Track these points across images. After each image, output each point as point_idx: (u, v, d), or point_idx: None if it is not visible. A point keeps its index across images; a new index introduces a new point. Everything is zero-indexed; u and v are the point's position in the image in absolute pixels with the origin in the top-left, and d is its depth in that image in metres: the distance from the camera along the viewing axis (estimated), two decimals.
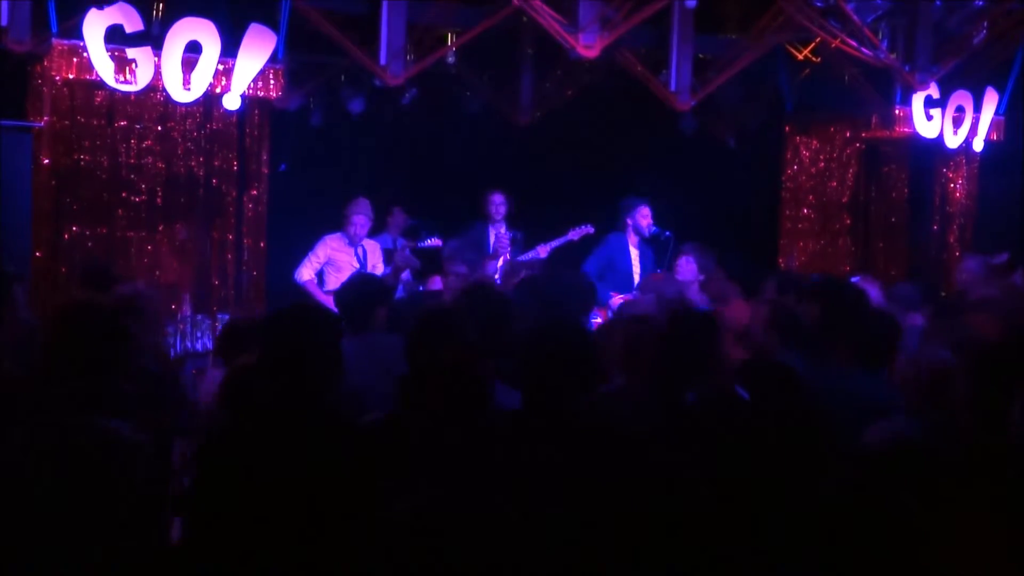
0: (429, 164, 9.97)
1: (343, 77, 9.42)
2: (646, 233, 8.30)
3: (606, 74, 9.20)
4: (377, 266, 8.01)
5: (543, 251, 8.44)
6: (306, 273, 7.91)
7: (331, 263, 7.93)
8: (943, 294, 8.30)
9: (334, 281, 7.86)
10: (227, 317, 7.00)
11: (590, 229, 8.57)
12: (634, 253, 8.35)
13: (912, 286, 6.67)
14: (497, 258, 8.12)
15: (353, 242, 7.96)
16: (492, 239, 8.42)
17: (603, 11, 7.55)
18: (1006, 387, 3.14)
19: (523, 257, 8.31)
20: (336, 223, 8.08)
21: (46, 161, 6.90)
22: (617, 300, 8.10)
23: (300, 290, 7.89)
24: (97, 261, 6.57)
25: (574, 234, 8.57)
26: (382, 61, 7.56)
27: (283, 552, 2.78)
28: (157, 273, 7.01)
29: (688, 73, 8.37)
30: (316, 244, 7.96)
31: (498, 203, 8.49)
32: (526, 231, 8.55)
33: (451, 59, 8.54)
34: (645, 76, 8.40)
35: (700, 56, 8.64)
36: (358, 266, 7.91)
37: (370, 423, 3.51)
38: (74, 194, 6.93)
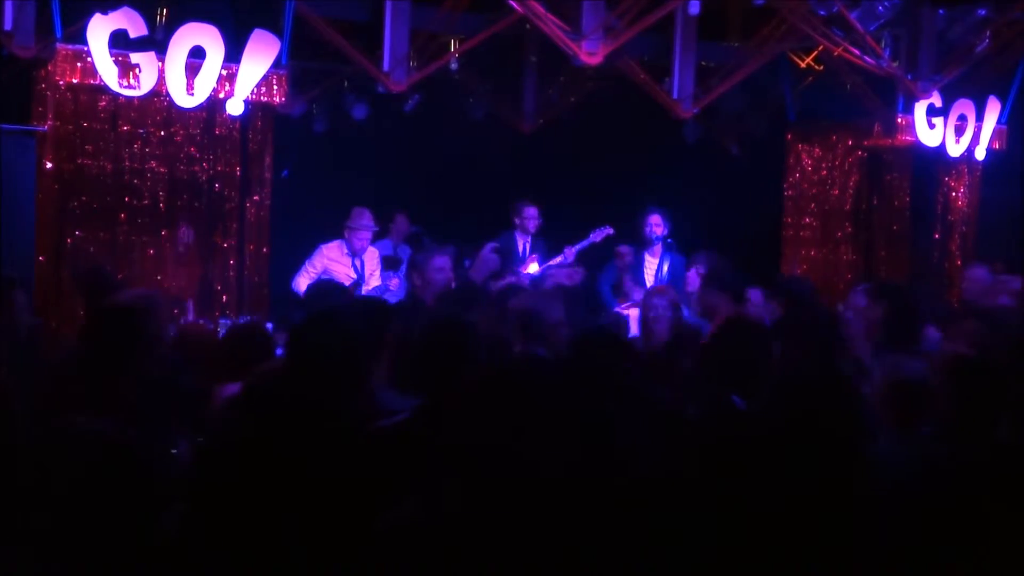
0: (432, 170, 9.98)
1: (346, 83, 9.45)
2: (653, 240, 8.30)
3: (609, 82, 9.22)
4: (375, 274, 7.99)
5: (570, 254, 8.45)
6: (303, 283, 7.89)
7: (327, 273, 7.91)
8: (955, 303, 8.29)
9: None
10: (229, 322, 7.01)
11: (610, 230, 8.57)
12: (651, 262, 8.33)
13: (934, 296, 6.64)
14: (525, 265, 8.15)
15: (353, 253, 7.95)
16: (521, 248, 8.45)
17: (607, 19, 7.56)
18: (990, 401, 3.14)
19: (552, 263, 8.28)
20: (338, 230, 8.09)
21: (49, 166, 6.92)
22: (622, 312, 8.12)
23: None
24: (92, 265, 6.57)
25: (595, 236, 8.58)
26: (385, 67, 7.57)
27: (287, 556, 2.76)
28: (159, 278, 7.01)
29: (691, 81, 8.38)
30: (313, 254, 7.95)
31: (531, 215, 8.53)
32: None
33: (454, 66, 8.54)
34: (648, 84, 8.41)
35: (703, 64, 8.65)
36: (355, 276, 7.89)
37: (388, 427, 3.51)
38: (77, 199, 6.93)
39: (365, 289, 7.94)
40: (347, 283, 7.77)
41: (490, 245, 7.80)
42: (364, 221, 7.96)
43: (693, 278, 7.05)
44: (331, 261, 7.95)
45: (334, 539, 2.74)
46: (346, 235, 7.97)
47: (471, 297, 5.90)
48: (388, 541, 2.46)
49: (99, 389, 3.27)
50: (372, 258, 8.07)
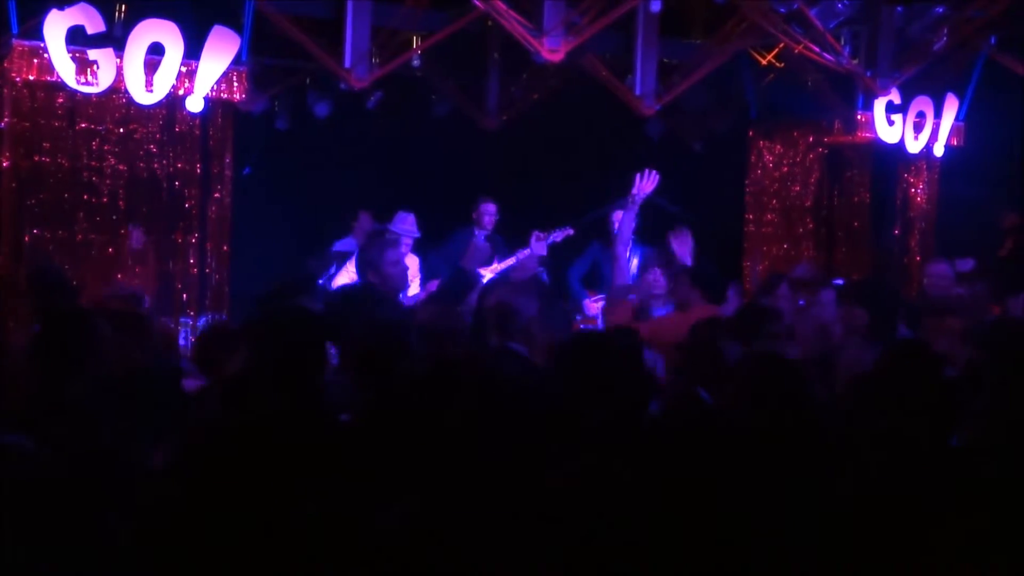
0: (396, 167, 9.96)
1: (309, 80, 9.40)
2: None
3: (572, 78, 9.23)
4: (415, 281, 7.66)
5: (522, 256, 8.41)
6: (341, 283, 7.68)
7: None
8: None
9: None
10: (189, 321, 6.96)
11: (570, 231, 8.56)
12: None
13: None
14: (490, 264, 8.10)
15: None
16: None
17: (568, 15, 7.57)
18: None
19: (508, 261, 8.25)
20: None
21: (6, 163, 6.84)
22: (591, 305, 8.12)
23: None
24: (40, 263, 6.51)
25: (556, 236, 8.56)
26: (347, 64, 7.54)
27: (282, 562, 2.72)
28: (119, 276, 6.95)
29: (653, 78, 8.41)
30: (350, 257, 7.78)
31: (491, 212, 8.47)
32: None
33: (416, 63, 8.53)
34: (610, 80, 8.43)
35: (665, 61, 8.69)
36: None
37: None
38: (35, 196, 6.85)
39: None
40: None
41: (482, 233, 7.83)
42: (405, 226, 7.80)
43: (655, 281, 6.85)
44: None
45: (324, 537, 2.72)
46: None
47: (468, 286, 5.92)
48: (385, 539, 2.45)
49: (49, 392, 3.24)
50: (412, 265, 7.80)
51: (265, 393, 3.29)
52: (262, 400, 3.31)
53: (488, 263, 7.90)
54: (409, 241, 7.76)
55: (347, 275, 7.64)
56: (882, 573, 2.59)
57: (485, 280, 7.18)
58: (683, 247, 7.06)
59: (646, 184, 6.77)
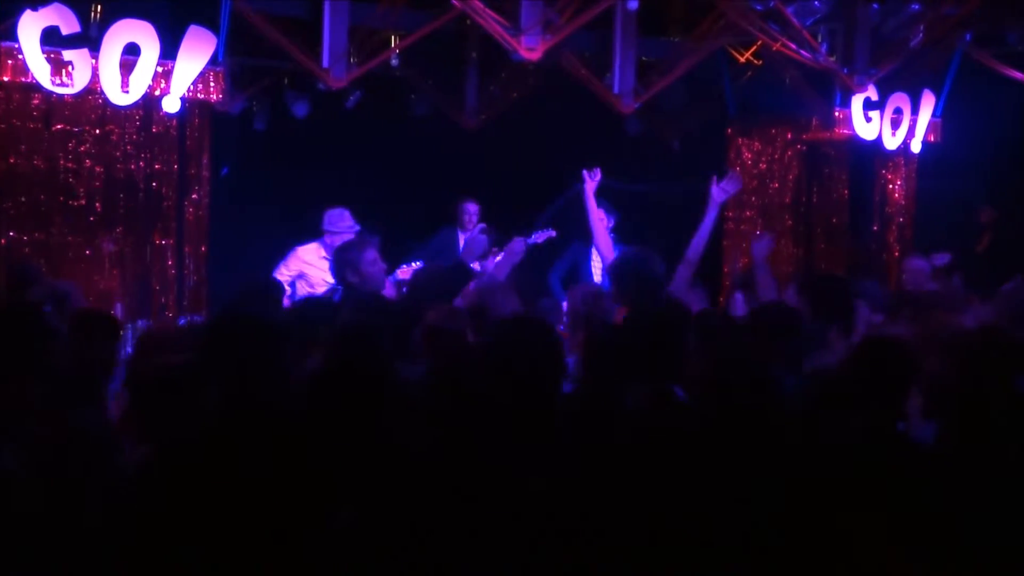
0: (375, 167, 9.94)
1: (286, 80, 9.38)
2: None
3: (551, 77, 9.24)
4: None
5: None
6: None
7: (303, 277, 7.71)
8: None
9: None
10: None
11: (552, 232, 8.56)
12: (597, 255, 8.34)
13: (878, 285, 6.67)
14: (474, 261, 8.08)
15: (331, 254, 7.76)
16: (462, 244, 8.40)
17: (546, 14, 7.57)
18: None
19: (491, 260, 8.23)
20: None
21: None
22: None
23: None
24: (23, 263, 6.46)
25: (537, 237, 8.56)
26: (324, 64, 7.52)
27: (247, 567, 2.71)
28: (96, 279, 6.92)
29: (631, 76, 8.42)
30: (288, 255, 7.75)
31: (472, 212, 8.48)
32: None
33: (395, 62, 8.52)
34: (589, 79, 8.45)
35: (643, 59, 8.71)
36: (333, 280, 7.70)
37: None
38: (11, 199, 6.81)
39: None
40: (324, 288, 7.53)
41: (480, 226, 7.84)
42: (344, 223, 7.77)
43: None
44: (307, 264, 7.73)
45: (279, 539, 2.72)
46: (326, 240, 7.75)
47: (463, 279, 5.90)
48: (343, 541, 2.44)
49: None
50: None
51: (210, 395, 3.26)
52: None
53: (485, 257, 7.87)
54: (351, 237, 7.67)
55: (283, 275, 7.59)
56: (844, 563, 2.61)
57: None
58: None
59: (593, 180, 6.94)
